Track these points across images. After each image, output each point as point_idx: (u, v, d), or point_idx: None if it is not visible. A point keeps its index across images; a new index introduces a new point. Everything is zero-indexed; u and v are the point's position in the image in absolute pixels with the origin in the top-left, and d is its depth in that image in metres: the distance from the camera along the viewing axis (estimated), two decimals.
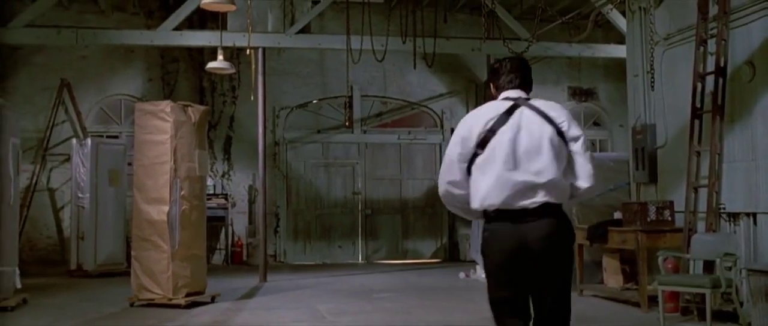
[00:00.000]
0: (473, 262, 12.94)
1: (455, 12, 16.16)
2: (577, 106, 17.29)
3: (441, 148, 16.66)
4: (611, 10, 12.51)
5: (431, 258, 16.38)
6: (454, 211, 4.28)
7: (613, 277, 10.18)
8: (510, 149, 3.94)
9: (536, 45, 13.26)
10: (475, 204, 4.02)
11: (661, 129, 9.94)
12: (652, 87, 9.96)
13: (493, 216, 4.00)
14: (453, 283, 12.16)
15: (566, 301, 4.07)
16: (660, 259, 8.25)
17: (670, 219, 9.10)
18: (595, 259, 10.61)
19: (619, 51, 13.25)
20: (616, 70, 15.01)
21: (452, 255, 16.40)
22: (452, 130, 16.36)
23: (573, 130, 4.01)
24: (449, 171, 4.11)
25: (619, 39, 13.19)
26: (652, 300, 8.61)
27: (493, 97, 4.23)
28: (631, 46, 10.71)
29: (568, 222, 4.05)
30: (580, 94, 17.29)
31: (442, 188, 4.17)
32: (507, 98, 4.13)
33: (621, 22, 12.59)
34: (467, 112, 16.42)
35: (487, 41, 13.07)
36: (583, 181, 4.03)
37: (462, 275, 12.75)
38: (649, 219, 9.02)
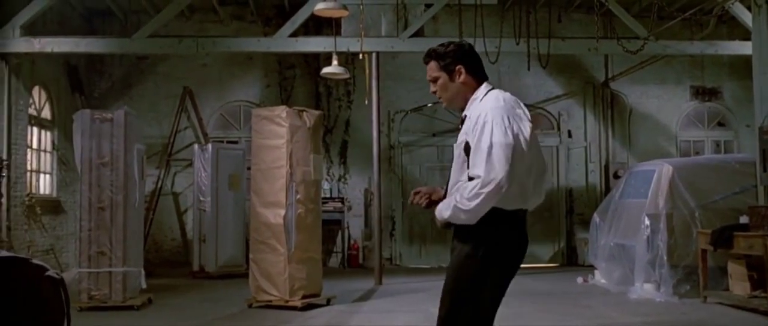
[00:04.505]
0: (592, 267, 12.65)
1: (571, 12, 15.88)
2: (700, 105, 16.71)
3: (558, 151, 16.39)
4: (734, 3, 11.99)
5: (548, 262, 16.12)
6: (481, 212, 3.77)
7: (739, 284, 9.75)
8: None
9: (655, 43, 12.87)
10: (518, 203, 3.84)
11: None
12: None
13: (517, 219, 3.89)
14: (570, 288, 11.92)
15: None
16: None
17: None
18: (719, 265, 10.20)
19: (745, 48, 12.70)
20: (742, 67, 14.42)
21: (570, 260, 16.10)
22: (569, 132, 16.25)
23: None
24: (527, 165, 3.82)
25: (745, 35, 12.65)
26: None
27: (464, 84, 4.01)
28: (758, 42, 10.26)
29: None
30: (704, 93, 16.67)
31: (515, 183, 3.72)
32: (494, 88, 4.03)
33: (746, 18, 12.08)
34: (585, 113, 16.33)
35: (603, 41, 12.75)
36: None
37: (580, 280, 12.48)
38: None
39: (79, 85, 15.34)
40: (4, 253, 2.03)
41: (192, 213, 14.68)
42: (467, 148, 3.83)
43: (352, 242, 15.90)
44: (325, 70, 12.42)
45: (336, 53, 12.28)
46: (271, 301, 9.55)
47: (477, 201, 3.69)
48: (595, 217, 12.47)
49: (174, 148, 15.80)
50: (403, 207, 16.19)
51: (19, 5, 12.42)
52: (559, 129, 16.51)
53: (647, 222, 10.61)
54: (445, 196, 4.02)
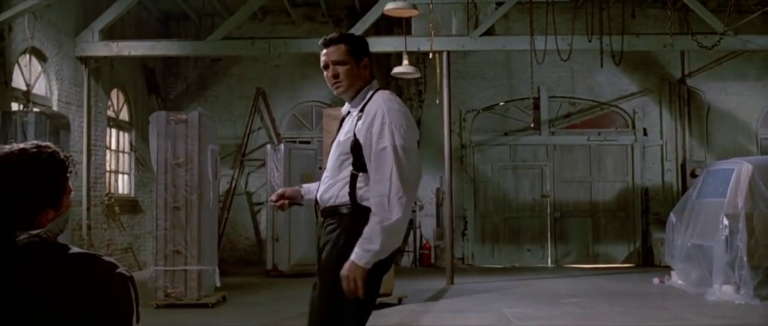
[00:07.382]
0: (668, 268, 12.39)
1: (645, 7, 15.58)
2: None
3: (633, 149, 16.10)
4: None
5: (624, 262, 15.83)
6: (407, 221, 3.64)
7: None
8: None
9: (734, 38, 12.54)
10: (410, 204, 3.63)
11: None
12: None
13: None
14: (646, 289, 11.69)
15: None
16: None
17: None
18: None
19: None
20: None
21: (646, 260, 15.79)
22: (645, 130, 15.94)
23: None
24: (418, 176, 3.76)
25: None
26: None
27: (362, 77, 3.85)
28: None
29: None
30: None
31: (412, 196, 3.59)
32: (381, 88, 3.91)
33: None
34: (660, 111, 16.01)
35: (678, 37, 12.46)
36: None
37: (656, 281, 12.23)
38: None
39: (155, 87, 15.68)
40: (76, 250, 2.08)
41: (265, 212, 14.86)
42: (355, 146, 3.67)
43: (423, 241, 15.88)
44: (396, 69, 12.43)
45: (406, 53, 12.27)
46: None
47: (401, 209, 3.49)
48: (672, 217, 12.22)
49: (247, 149, 16.02)
50: (475, 206, 16.12)
51: (98, 11, 12.75)
52: (634, 127, 16.21)
53: (726, 222, 10.34)
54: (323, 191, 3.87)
